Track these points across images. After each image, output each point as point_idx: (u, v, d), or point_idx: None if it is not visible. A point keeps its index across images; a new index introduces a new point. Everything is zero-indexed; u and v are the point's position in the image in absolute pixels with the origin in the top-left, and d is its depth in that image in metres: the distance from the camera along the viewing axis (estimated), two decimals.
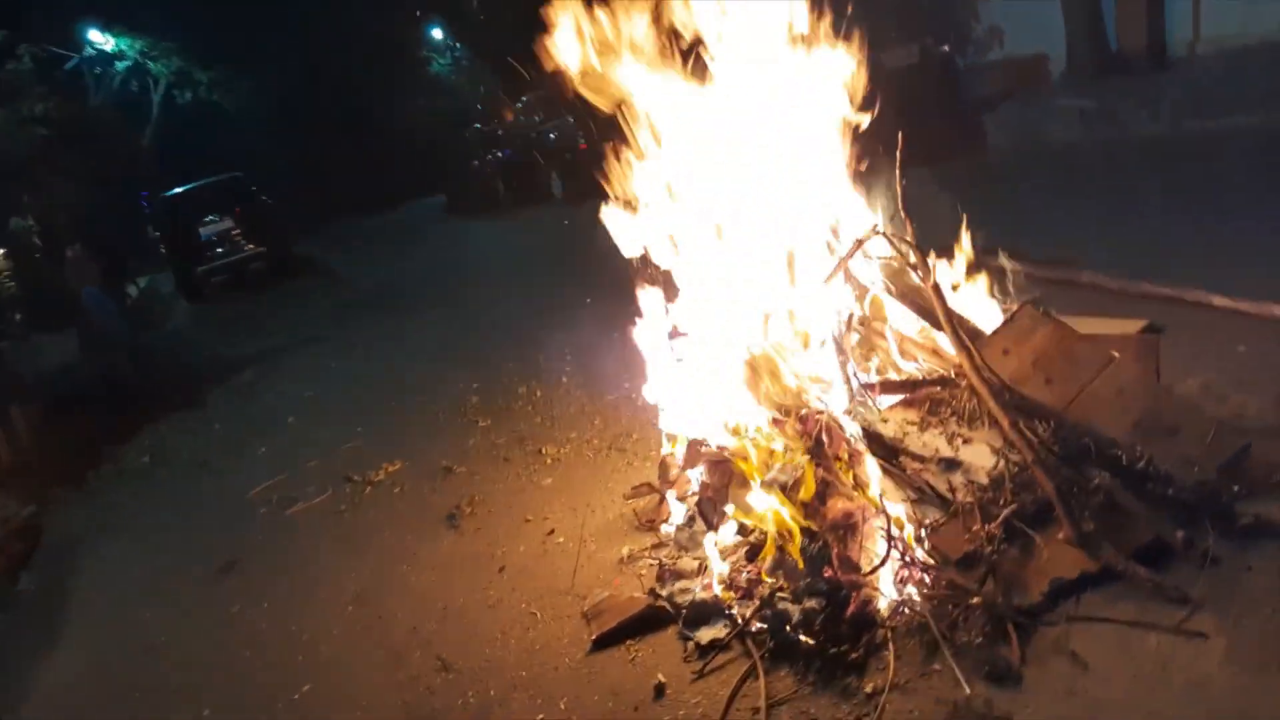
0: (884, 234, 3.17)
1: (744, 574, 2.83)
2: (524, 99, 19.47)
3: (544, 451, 4.60)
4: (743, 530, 3.01)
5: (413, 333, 8.86)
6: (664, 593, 2.93)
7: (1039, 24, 12.42)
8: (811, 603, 2.57)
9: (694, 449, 3.23)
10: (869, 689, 2.37)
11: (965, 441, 2.93)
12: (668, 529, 3.28)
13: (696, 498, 3.23)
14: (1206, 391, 3.42)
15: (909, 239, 3.18)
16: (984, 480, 2.79)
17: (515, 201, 18.96)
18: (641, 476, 3.95)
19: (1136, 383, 2.95)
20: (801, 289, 3.32)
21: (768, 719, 2.38)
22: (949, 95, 9.84)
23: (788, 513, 2.73)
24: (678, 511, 3.28)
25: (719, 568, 2.85)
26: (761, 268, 3.35)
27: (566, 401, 5.30)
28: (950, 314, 3.02)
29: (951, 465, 2.86)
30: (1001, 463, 2.80)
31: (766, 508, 2.78)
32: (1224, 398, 3.38)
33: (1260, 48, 10.80)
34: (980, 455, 2.88)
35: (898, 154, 3.25)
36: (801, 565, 2.67)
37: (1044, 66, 12.16)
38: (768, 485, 2.80)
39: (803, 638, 2.53)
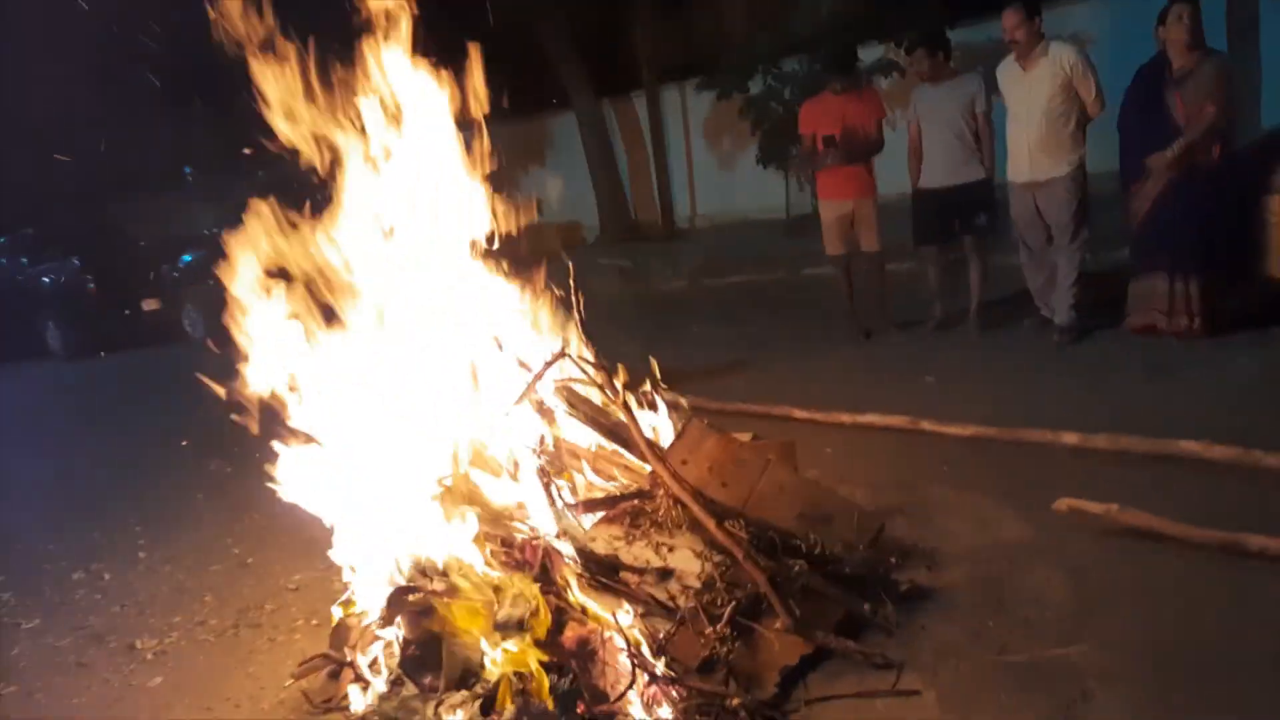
0: (572, 356, 3.23)
1: None
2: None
3: (139, 646, 3.64)
4: (464, 683, 2.67)
5: None
6: None
7: (573, 196, 14.11)
8: None
9: (398, 599, 2.81)
10: None
11: (670, 550, 3.01)
12: (360, 703, 2.78)
13: (398, 659, 2.80)
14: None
15: (594, 361, 3.28)
16: (696, 584, 2.88)
17: None
18: (291, 653, 3.33)
19: (792, 480, 3.34)
20: (488, 416, 3.21)
21: None
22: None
23: (528, 651, 2.50)
24: (374, 680, 2.80)
25: None
26: (441, 397, 3.18)
27: (153, 581, 4.29)
28: (641, 431, 3.14)
29: (665, 575, 2.91)
30: (708, 565, 2.93)
31: (500, 650, 2.52)
32: (833, 489, 3.97)
33: (741, 224, 13.52)
34: (687, 560, 2.97)
35: (572, 283, 3.39)
36: (552, 705, 2.44)
37: (579, 232, 13.75)
38: (501, 626, 2.55)
39: None
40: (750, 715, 2.45)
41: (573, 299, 3.39)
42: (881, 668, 2.63)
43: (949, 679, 2.55)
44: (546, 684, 2.49)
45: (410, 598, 2.79)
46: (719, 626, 2.68)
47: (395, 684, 2.76)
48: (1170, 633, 2.62)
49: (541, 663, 2.51)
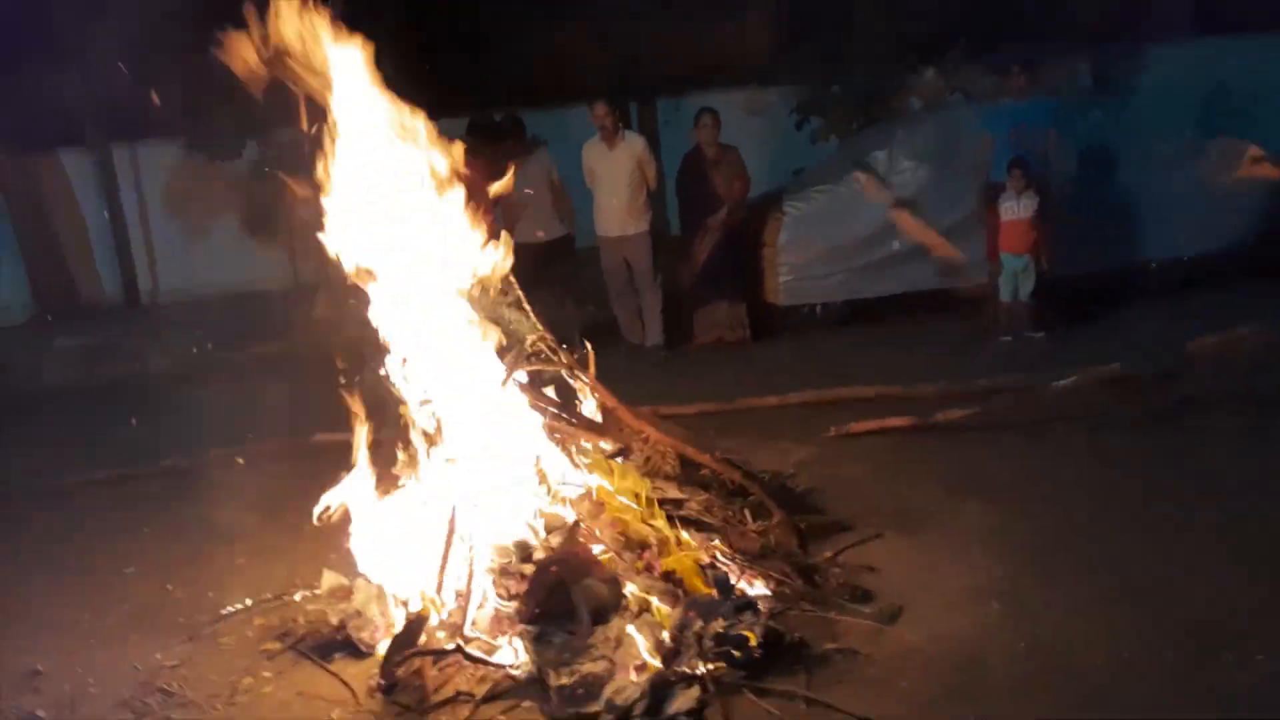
0: (546, 342, 3.58)
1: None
2: None
3: None
4: (601, 618, 2.90)
5: None
6: (599, 708, 2.61)
7: None
8: (748, 615, 2.87)
9: (538, 565, 2.85)
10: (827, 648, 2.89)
11: (663, 490, 3.61)
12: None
13: (528, 615, 2.85)
14: None
15: (556, 346, 3.68)
16: (699, 508, 3.56)
17: None
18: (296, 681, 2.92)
19: (690, 433, 4.18)
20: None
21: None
22: None
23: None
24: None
25: (642, 642, 2.76)
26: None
27: None
28: (618, 403, 3.69)
29: (679, 504, 3.53)
30: (698, 495, 3.63)
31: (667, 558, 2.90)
32: None
33: (221, 296, 12.42)
34: (678, 494, 3.62)
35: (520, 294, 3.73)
36: (715, 593, 2.92)
37: None
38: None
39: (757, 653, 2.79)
40: (819, 573, 3.29)
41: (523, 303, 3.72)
42: (845, 529, 3.69)
43: (880, 524, 3.73)
44: (701, 582, 2.96)
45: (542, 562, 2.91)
46: (759, 524, 3.45)
47: (542, 637, 2.84)
48: (947, 470, 4.22)
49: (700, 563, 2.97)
